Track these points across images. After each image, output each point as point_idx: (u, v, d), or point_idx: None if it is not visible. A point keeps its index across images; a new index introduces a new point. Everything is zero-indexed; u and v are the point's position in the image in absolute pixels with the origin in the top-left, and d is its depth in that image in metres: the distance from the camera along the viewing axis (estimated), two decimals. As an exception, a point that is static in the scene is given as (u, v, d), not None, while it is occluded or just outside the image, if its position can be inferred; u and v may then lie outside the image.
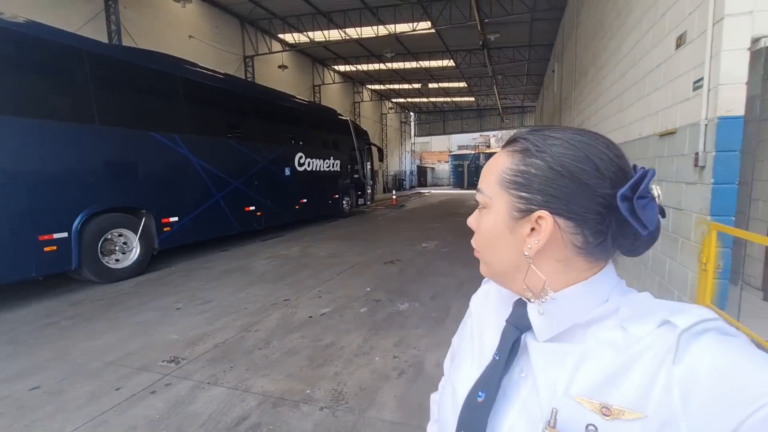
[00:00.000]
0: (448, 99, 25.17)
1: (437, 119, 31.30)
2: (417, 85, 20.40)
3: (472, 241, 0.51)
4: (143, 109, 5.36)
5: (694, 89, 2.39)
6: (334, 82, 17.68)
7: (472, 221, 0.51)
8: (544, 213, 0.43)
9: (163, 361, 2.83)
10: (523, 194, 0.44)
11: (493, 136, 36.27)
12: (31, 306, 4.09)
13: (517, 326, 0.47)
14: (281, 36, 13.27)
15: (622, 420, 0.37)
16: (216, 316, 3.70)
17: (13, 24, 4.06)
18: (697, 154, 2.32)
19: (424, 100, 25.53)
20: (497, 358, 0.47)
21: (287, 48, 13.65)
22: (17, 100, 4.02)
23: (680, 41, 2.63)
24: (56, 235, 4.29)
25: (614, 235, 0.43)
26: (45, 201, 4.18)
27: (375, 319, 3.57)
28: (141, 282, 4.98)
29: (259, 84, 8.96)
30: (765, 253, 3.40)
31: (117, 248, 5.06)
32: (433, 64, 16.44)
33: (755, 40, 2.08)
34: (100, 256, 4.81)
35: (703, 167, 2.31)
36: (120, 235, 5.09)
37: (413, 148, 32.56)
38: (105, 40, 8.09)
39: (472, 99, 24.71)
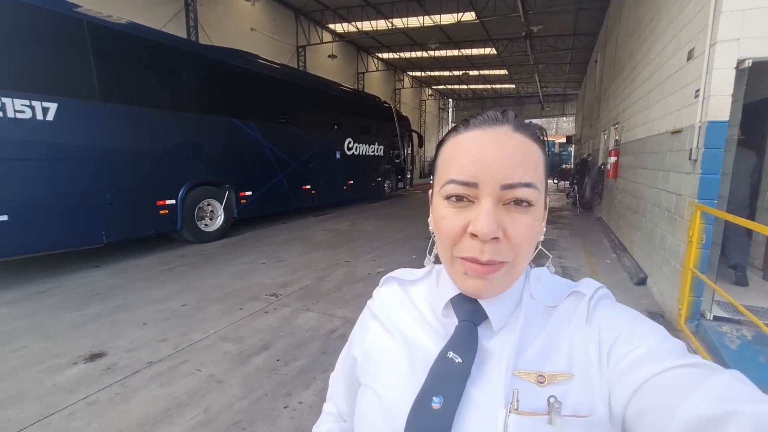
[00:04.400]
0: (488, 86, 25.13)
1: (476, 106, 31.19)
2: (457, 73, 20.63)
3: (500, 255, 0.41)
4: (228, 100, 6.38)
5: (695, 97, 2.96)
6: (377, 70, 18.33)
7: (498, 230, 0.40)
8: (546, 198, 0.46)
9: (266, 295, 3.81)
10: (545, 181, 0.45)
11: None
12: (150, 256, 5.25)
13: (474, 322, 0.46)
14: (331, 26, 14.05)
15: (556, 383, 0.41)
16: (293, 270, 4.67)
17: (122, 26, 4.97)
18: (691, 149, 2.92)
19: (464, 87, 25.62)
20: (458, 359, 0.43)
21: (336, 38, 14.43)
22: (148, 93, 5.11)
23: (690, 55, 3.17)
24: (168, 202, 5.41)
25: None
26: (161, 174, 5.29)
27: (421, 278, 4.38)
28: (225, 244, 6.07)
29: (320, 76, 9.91)
30: (767, 239, 3.89)
31: (206, 215, 6.18)
32: (475, 52, 16.67)
33: (740, 61, 2.64)
34: (196, 220, 5.93)
35: (695, 160, 2.91)
36: (209, 205, 6.19)
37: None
38: (184, 35, 9.22)
39: (513, 86, 24.54)
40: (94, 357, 2.63)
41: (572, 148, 21.16)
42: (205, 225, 6.13)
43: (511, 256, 0.42)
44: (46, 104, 4.05)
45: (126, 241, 5.22)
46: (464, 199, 0.42)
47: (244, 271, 4.59)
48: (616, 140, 6.91)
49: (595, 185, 9.32)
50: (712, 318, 2.94)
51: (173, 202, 5.47)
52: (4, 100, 3.74)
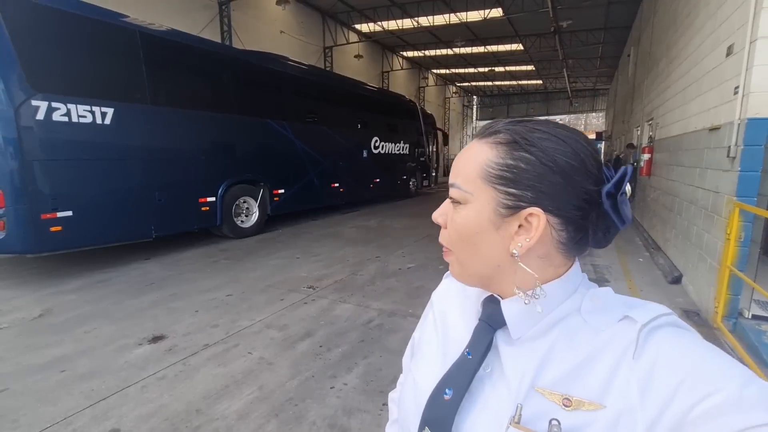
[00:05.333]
0: (514, 82, 24.74)
1: (501, 103, 30.76)
2: (483, 70, 20.43)
3: (442, 239, 0.48)
4: (264, 102, 6.67)
5: (734, 93, 2.94)
6: (402, 68, 18.41)
7: (438, 216, 0.48)
8: (536, 210, 0.42)
9: (304, 287, 4.03)
10: (512, 190, 0.43)
11: (560, 120, 34.74)
12: (194, 250, 5.59)
13: (491, 324, 0.46)
14: (357, 26, 14.25)
15: (582, 411, 0.39)
16: (328, 264, 4.88)
17: (168, 34, 5.30)
18: (729, 146, 2.91)
19: (489, 83, 25.32)
20: (470, 356, 0.46)
21: (363, 38, 14.62)
22: (192, 97, 5.45)
23: (729, 51, 3.14)
24: (209, 199, 5.73)
25: (593, 229, 0.44)
26: (203, 173, 5.62)
27: (451, 273, 4.50)
28: (261, 239, 6.37)
29: (348, 77, 10.11)
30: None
31: (243, 212, 6.49)
32: (501, 48, 16.50)
33: (783, 58, 2.61)
34: (233, 217, 6.24)
35: (734, 158, 2.90)
36: (245, 202, 6.50)
37: (475, 132, 32.37)
38: (219, 39, 9.63)
39: (540, 82, 24.08)
40: (156, 339, 2.91)
41: (602, 145, 20.56)
42: (241, 221, 6.44)
43: (450, 245, 0.47)
44: (104, 109, 4.40)
45: (171, 235, 5.57)
46: None
47: (282, 265, 4.84)
48: (650, 137, 6.77)
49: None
50: (750, 317, 2.92)
51: (213, 199, 5.80)
52: (69, 106, 4.11)
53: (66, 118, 4.09)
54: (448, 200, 0.48)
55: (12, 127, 3.71)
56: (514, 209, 0.43)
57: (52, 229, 4.04)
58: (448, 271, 0.58)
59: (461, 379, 0.45)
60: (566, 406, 0.40)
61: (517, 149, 0.43)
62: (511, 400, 0.42)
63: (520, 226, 0.43)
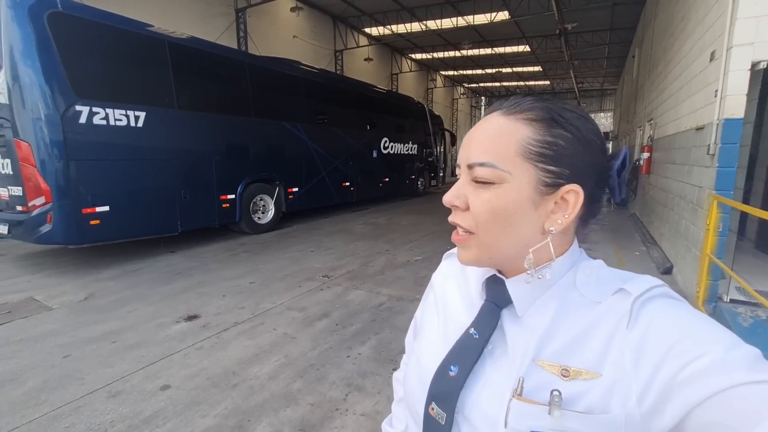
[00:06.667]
0: (522, 83, 24.88)
1: (509, 103, 30.84)
2: (491, 71, 20.64)
3: (461, 221, 0.46)
4: (279, 105, 7.06)
5: (714, 96, 3.21)
6: (410, 70, 18.73)
7: (455, 199, 0.46)
8: (575, 187, 0.43)
9: (319, 276, 4.37)
10: (551, 167, 0.43)
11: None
12: (214, 244, 5.99)
13: (497, 304, 0.48)
14: (367, 30, 14.62)
15: (579, 380, 0.40)
16: (340, 257, 5.22)
17: (191, 42, 5.69)
18: (709, 144, 3.18)
19: (496, 84, 25.50)
20: (476, 335, 0.47)
21: (372, 42, 14.98)
22: (214, 101, 5.85)
23: (712, 57, 3.40)
24: (229, 196, 6.12)
25: (598, 204, 0.46)
26: (224, 172, 6.01)
27: (456, 265, 4.81)
28: (276, 234, 6.74)
29: (358, 80, 10.49)
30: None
31: (260, 209, 6.87)
32: (508, 50, 16.71)
33: (755, 64, 2.88)
34: (251, 213, 6.63)
35: (713, 155, 3.16)
36: (261, 200, 6.88)
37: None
38: (235, 44, 10.07)
39: (547, 82, 24.18)
40: (191, 318, 3.27)
41: (609, 145, 20.62)
42: (258, 218, 6.83)
43: (474, 227, 0.45)
44: (137, 113, 4.81)
45: (193, 231, 5.97)
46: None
47: (298, 257, 5.20)
48: (650, 136, 6.99)
49: (629, 182, 9.31)
50: (728, 300, 3.18)
51: (233, 196, 6.18)
52: (107, 110, 4.52)
53: (104, 122, 4.50)
54: (462, 182, 0.47)
55: (59, 130, 4.13)
56: (553, 187, 0.43)
57: (92, 222, 4.45)
58: (447, 252, 0.63)
59: (467, 356, 0.47)
60: (564, 376, 0.41)
61: (555, 126, 0.43)
62: (513, 375, 0.43)
63: (555, 203, 0.44)
